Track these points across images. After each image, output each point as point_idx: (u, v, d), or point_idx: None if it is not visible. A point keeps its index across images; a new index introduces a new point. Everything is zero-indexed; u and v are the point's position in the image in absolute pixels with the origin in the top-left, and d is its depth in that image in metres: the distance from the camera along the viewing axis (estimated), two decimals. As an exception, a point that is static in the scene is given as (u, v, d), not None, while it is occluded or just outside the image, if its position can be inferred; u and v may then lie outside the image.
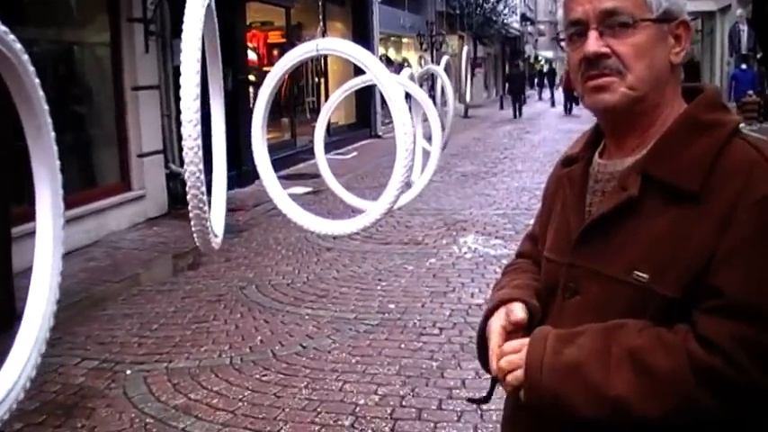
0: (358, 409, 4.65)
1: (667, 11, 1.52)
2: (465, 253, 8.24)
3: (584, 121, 21.15)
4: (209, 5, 1.99)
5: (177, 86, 9.46)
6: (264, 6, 15.54)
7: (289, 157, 14.94)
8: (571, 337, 1.48)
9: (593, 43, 1.51)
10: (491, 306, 1.69)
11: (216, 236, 2.13)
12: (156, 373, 5.30)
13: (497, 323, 1.63)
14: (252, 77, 14.96)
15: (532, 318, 1.63)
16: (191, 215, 1.93)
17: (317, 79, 19.24)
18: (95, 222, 9.32)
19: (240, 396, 4.86)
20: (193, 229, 2.00)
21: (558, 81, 29.45)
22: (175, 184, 11.40)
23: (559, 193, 1.73)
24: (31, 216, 7.88)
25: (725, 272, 1.38)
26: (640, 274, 1.45)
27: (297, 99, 17.94)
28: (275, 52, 18.10)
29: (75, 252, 8.12)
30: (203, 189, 1.99)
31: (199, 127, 1.93)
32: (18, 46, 1.43)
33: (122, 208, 10.23)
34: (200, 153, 1.95)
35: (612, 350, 1.42)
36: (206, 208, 2.06)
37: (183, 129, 1.86)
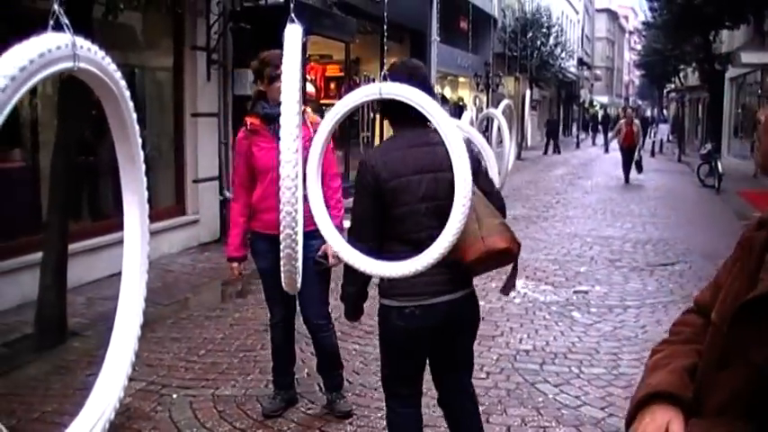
0: (402, 449, 4.60)
1: None
2: (514, 297, 8.17)
3: (646, 184, 20.88)
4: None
5: (236, 115, 9.57)
6: (324, 40, 15.71)
7: (340, 190, 14.99)
8: None
9: None
10: (644, 395, 1.65)
11: (301, 275, 2.15)
12: (202, 399, 5.33)
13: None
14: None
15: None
16: (282, 254, 1.95)
17: (371, 114, 19.36)
18: (149, 244, 9.41)
19: (285, 428, 4.86)
20: (283, 268, 2.02)
21: (613, 135, 25.31)
22: (228, 212, 11.52)
23: (744, 254, 1.63)
24: (86, 234, 8.02)
25: None
26: None
27: (351, 133, 18.04)
28: (332, 85, 18.30)
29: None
30: (297, 230, 2.01)
31: (298, 168, 1.96)
32: (123, 83, 1.48)
33: (176, 232, 10.37)
34: (297, 194, 1.97)
35: None
36: (297, 248, 2.09)
37: (281, 168, 1.88)
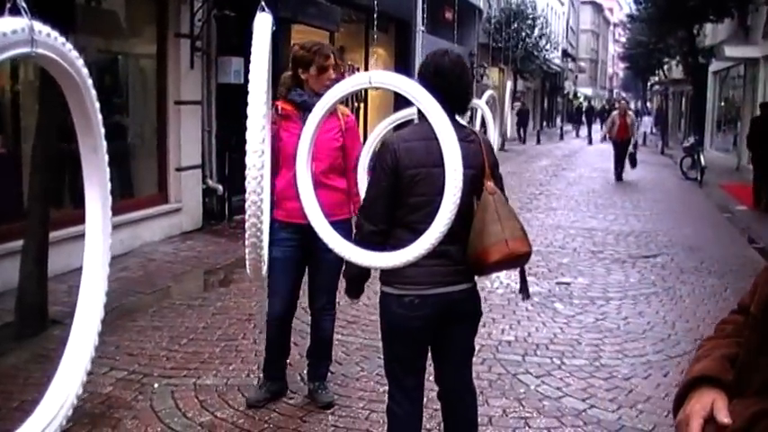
0: (384, 439, 4.61)
1: None
2: (497, 288, 8.19)
3: (635, 180, 20.93)
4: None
5: (219, 103, 9.52)
6: (309, 29, 15.64)
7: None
8: None
9: None
10: (688, 380, 1.79)
11: (266, 264, 2.14)
12: (183, 388, 5.30)
13: (700, 411, 1.70)
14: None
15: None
16: (247, 243, 1.95)
17: (356, 104, 19.30)
18: (131, 233, 9.38)
19: (266, 417, 4.84)
20: (248, 257, 2.02)
21: (606, 129, 22.48)
22: (211, 200, 11.49)
23: None
24: (67, 221, 7.95)
25: None
26: None
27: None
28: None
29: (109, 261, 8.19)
30: (262, 218, 2.00)
31: (264, 157, 1.94)
32: (85, 71, 1.45)
33: (158, 220, 10.31)
34: (263, 183, 1.95)
35: None
36: (263, 237, 2.08)
37: (247, 158, 1.87)
